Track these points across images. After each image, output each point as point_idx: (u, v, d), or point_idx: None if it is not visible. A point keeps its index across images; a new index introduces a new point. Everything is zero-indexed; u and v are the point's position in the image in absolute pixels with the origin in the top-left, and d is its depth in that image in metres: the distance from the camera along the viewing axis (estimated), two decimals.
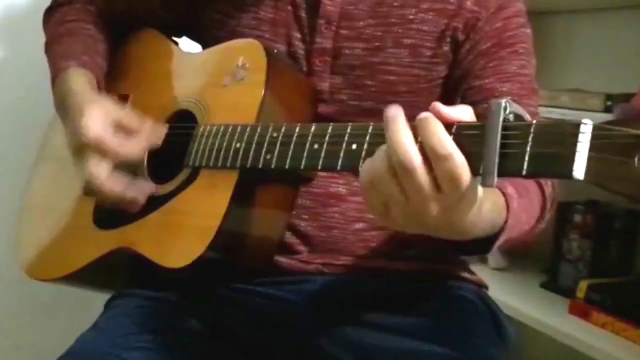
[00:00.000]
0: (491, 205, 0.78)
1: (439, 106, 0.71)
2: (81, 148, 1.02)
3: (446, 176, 0.68)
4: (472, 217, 0.73)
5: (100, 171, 1.01)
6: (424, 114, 0.71)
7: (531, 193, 0.95)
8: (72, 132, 1.04)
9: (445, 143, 0.68)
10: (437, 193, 0.69)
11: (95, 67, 1.17)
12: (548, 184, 1.00)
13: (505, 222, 0.85)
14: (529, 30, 1.06)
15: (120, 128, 1.04)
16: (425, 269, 1.07)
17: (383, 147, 0.72)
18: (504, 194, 0.84)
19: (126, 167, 1.05)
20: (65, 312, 1.66)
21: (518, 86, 1.02)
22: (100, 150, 1.01)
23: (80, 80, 1.12)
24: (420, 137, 0.70)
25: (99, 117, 1.02)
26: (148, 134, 1.05)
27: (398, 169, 0.69)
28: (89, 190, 1.03)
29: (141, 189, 1.04)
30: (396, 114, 0.72)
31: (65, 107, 1.09)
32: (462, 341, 0.98)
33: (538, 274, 1.79)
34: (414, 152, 0.69)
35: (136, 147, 1.03)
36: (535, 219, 0.97)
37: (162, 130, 1.06)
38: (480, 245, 0.87)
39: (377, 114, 1.02)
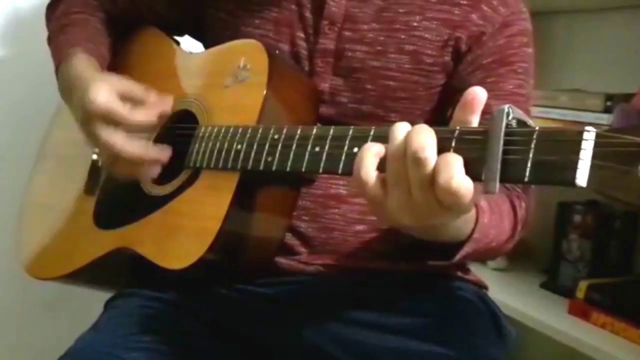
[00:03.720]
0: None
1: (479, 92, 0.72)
2: (91, 120, 1.02)
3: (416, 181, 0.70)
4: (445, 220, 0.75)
5: (116, 138, 1.01)
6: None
7: (503, 212, 0.96)
8: (80, 108, 1.04)
9: (427, 148, 0.69)
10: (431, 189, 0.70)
11: (99, 55, 1.17)
12: (522, 207, 1.01)
13: (472, 233, 0.86)
14: (531, 50, 1.06)
15: (128, 99, 1.03)
16: (425, 269, 1.07)
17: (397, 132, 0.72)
18: (476, 206, 0.85)
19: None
20: (66, 312, 1.66)
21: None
22: (111, 119, 1.01)
23: (84, 64, 1.12)
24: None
25: (105, 89, 1.02)
26: (156, 103, 1.04)
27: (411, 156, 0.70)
28: (107, 160, 1.04)
29: (160, 152, 1.03)
30: None
31: (70, 89, 1.10)
32: (462, 341, 0.98)
33: (538, 274, 1.79)
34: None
35: (145, 115, 1.03)
36: (504, 239, 0.98)
37: (169, 100, 1.05)
38: (444, 252, 0.89)
39: (376, 119, 1.04)
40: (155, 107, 1.04)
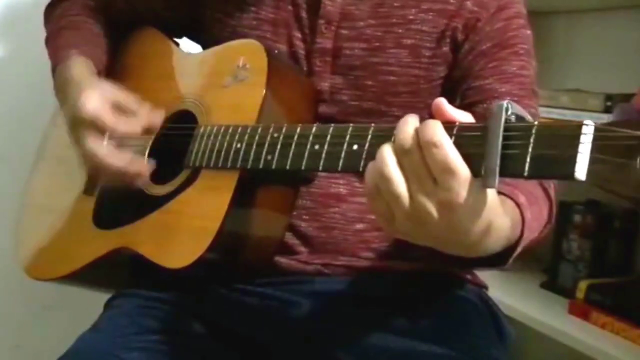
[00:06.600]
0: (511, 222, 0.79)
1: (443, 101, 0.72)
2: (78, 124, 1.02)
3: (439, 167, 0.68)
4: (479, 229, 0.72)
5: (100, 148, 1.01)
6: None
7: (539, 199, 0.95)
8: (70, 110, 1.05)
9: (437, 132, 0.69)
10: (433, 186, 0.69)
11: (95, 58, 1.17)
12: (551, 187, 1.00)
13: (521, 236, 0.84)
14: (529, 31, 1.06)
15: (118, 108, 1.03)
16: (425, 269, 1.07)
17: (385, 147, 0.72)
18: (518, 205, 0.84)
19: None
20: (65, 312, 1.66)
21: (518, 87, 1.02)
22: (98, 126, 1.01)
23: (80, 67, 1.12)
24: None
25: (96, 96, 1.02)
26: (145, 115, 1.04)
27: (399, 151, 0.70)
28: (91, 167, 1.04)
29: (144, 165, 1.03)
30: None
31: (64, 92, 1.10)
32: (463, 341, 0.98)
33: (538, 274, 1.78)
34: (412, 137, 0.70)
35: (132, 126, 1.03)
36: (543, 225, 0.97)
37: (159, 114, 1.05)
38: (494, 259, 0.85)
39: (378, 115, 1.03)
40: (145, 119, 1.04)
